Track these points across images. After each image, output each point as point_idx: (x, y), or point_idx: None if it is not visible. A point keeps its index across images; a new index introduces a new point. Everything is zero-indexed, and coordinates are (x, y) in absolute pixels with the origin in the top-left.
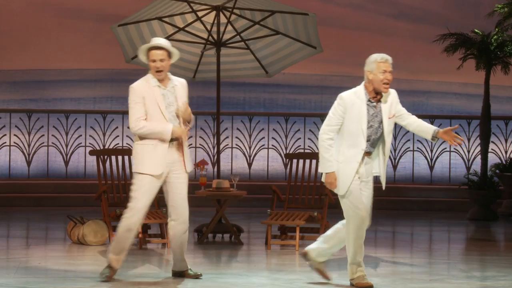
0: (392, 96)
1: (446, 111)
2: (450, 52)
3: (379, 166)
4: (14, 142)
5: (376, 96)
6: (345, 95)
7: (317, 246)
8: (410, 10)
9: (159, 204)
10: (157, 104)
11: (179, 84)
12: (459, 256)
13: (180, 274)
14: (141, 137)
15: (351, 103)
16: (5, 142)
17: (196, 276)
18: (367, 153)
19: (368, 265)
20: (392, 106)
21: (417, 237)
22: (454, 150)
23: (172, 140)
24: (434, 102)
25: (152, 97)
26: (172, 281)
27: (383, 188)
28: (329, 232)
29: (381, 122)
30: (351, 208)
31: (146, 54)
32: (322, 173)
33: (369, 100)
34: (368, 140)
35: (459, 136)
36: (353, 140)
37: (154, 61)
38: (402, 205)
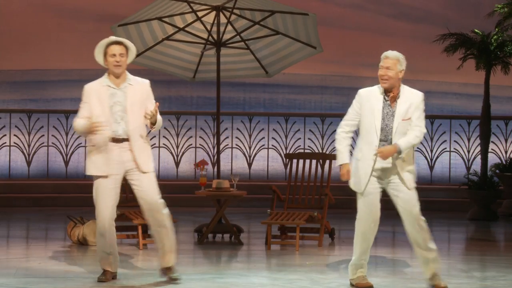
0: (414, 99)
1: (446, 111)
2: (450, 52)
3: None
4: (14, 142)
5: (389, 93)
6: (362, 91)
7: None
8: (410, 10)
9: None
10: (100, 105)
11: (136, 84)
12: (459, 256)
13: (164, 270)
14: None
15: (366, 98)
16: (5, 142)
17: (174, 279)
18: None
19: (368, 265)
20: (410, 109)
21: None
22: (454, 150)
23: (120, 140)
24: (434, 102)
25: (98, 97)
26: (172, 281)
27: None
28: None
29: (393, 122)
30: (363, 210)
31: (103, 52)
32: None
33: (384, 98)
34: (385, 140)
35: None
36: (368, 137)
37: (114, 55)
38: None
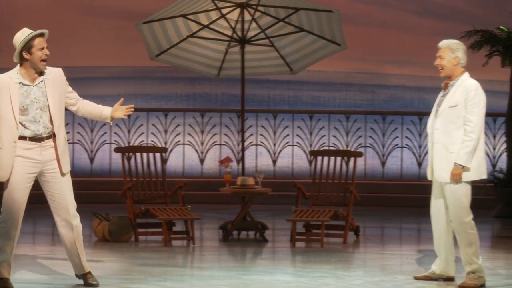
0: (465, 88)
1: None
2: (475, 49)
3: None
4: None
5: (445, 80)
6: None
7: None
8: (435, 7)
9: (184, 201)
10: (10, 104)
11: (51, 77)
12: (485, 254)
13: (80, 277)
14: None
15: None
16: None
17: (93, 285)
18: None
19: (393, 262)
20: (459, 98)
21: None
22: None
23: (41, 139)
24: None
25: (7, 95)
26: (196, 278)
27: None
28: None
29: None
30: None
31: (25, 45)
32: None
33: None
34: (437, 129)
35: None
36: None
37: (42, 48)
38: (427, 202)
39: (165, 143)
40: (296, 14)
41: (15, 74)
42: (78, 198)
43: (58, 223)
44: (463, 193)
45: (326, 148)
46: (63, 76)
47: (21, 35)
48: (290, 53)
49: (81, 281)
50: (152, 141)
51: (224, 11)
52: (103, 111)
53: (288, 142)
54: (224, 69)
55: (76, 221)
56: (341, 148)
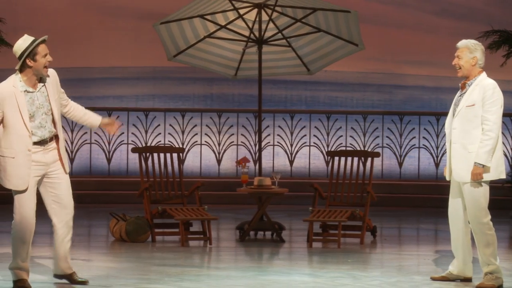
0: (483, 87)
1: None
2: (494, 49)
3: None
4: None
5: (464, 80)
6: None
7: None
8: (453, 7)
9: (201, 201)
10: (19, 112)
11: (49, 80)
12: (502, 255)
13: (63, 277)
14: (1, 148)
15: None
16: None
17: (83, 282)
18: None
19: (410, 263)
20: (477, 97)
21: None
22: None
23: (45, 142)
24: None
25: (14, 104)
26: (213, 279)
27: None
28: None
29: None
30: None
31: (30, 52)
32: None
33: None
34: (455, 128)
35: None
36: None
37: (46, 55)
38: (444, 203)
39: (182, 144)
40: (314, 15)
41: (18, 82)
42: (95, 198)
43: (58, 224)
44: (481, 193)
45: (343, 148)
46: (57, 77)
47: (23, 43)
48: (307, 53)
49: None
50: (169, 141)
51: (242, 11)
52: (94, 120)
53: (305, 143)
54: (242, 69)
55: (72, 222)
56: (358, 149)
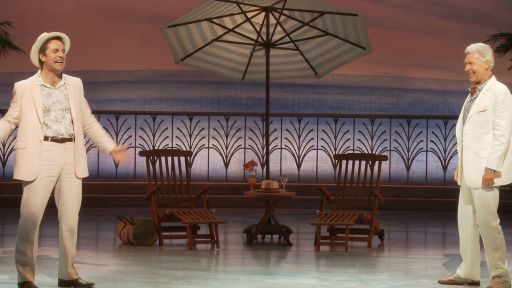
0: (494, 92)
1: None
2: (501, 53)
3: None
4: None
5: (474, 84)
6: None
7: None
8: (461, 10)
9: (209, 205)
10: (33, 104)
11: (71, 83)
12: (509, 259)
13: (68, 283)
14: (16, 141)
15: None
16: None
17: (89, 285)
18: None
19: (418, 266)
20: (488, 102)
21: None
22: None
23: (62, 140)
24: None
25: (30, 97)
26: (221, 282)
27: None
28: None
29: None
30: None
31: (40, 48)
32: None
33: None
34: (467, 134)
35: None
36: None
37: (56, 50)
38: (452, 206)
39: (190, 147)
40: (321, 18)
41: (36, 78)
42: (103, 201)
43: (63, 227)
44: (492, 197)
45: (351, 151)
46: (81, 85)
47: (39, 39)
48: (315, 57)
49: None
50: (177, 144)
51: (249, 14)
52: (108, 145)
53: (312, 146)
54: (249, 73)
55: (76, 228)
56: (365, 152)
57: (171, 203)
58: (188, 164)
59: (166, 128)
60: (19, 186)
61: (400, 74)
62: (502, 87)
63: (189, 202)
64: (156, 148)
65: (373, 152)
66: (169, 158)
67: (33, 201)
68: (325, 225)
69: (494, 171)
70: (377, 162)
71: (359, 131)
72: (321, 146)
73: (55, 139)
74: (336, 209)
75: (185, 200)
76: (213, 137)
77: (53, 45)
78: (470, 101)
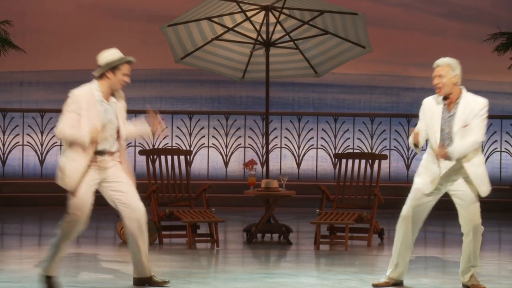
0: (475, 106)
1: (496, 111)
2: (501, 52)
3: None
4: None
5: (447, 99)
6: (425, 100)
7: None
8: (461, 9)
9: (208, 204)
10: (94, 119)
11: (119, 101)
12: (510, 257)
13: (143, 281)
14: (67, 150)
15: (429, 105)
16: (56, 142)
17: (164, 283)
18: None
19: (418, 265)
20: (470, 116)
21: None
22: (505, 150)
23: (102, 153)
24: None
25: (93, 112)
26: (220, 281)
27: (480, 194)
28: None
29: (451, 128)
30: None
31: (111, 66)
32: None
33: (443, 104)
34: (447, 145)
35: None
36: (430, 142)
37: (127, 75)
38: (452, 205)
39: (190, 146)
40: (321, 17)
41: (96, 91)
42: (102, 200)
43: (127, 220)
44: (476, 196)
45: (351, 150)
46: (125, 104)
47: (113, 55)
48: (314, 55)
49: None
50: (176, 143)
51: (249, 13)
52: (144, 130)
53: (312, 145)
54: (249, 71)
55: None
56: (365, 151)
57: (171, 202)
58: (188, 163)
59: (166, 127)
60: (19, 186)
61: (400, 73)
62: (482, 100)
63: (189, 201)
64: (156, 147)
65: (373, 151)
66: (169, 157)
67: (81, 203)
68: (325, 224)
69: (450, 155)
70: (377, 161)
71: (359, 130)
72: (321, 145)
73: (100, 153)
74: (336, 208)
75: (185, 199)
76: (213, 136)
77: (125, 69)
78: (449, 116)
